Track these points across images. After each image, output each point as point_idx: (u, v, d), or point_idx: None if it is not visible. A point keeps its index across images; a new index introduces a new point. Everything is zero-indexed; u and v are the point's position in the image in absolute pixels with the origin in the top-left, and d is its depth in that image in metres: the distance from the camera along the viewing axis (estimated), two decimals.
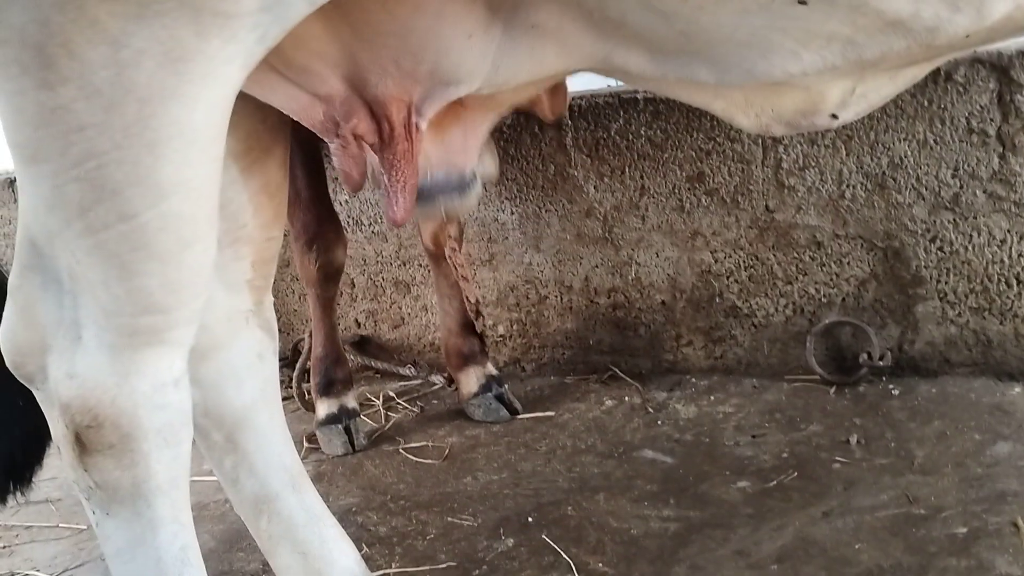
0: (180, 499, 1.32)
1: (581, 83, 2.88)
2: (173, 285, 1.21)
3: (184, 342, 1.29)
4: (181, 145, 1.14)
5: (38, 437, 1.67)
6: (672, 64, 1.30)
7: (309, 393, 2.91)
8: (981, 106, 2.39)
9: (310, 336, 2.92)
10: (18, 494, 1.74)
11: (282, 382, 3.23)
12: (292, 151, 1.88)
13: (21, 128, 1.15)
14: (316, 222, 2.67)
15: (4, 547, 2.47)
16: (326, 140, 1.52)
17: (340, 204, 3.30)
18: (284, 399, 3.09)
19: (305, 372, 2.93)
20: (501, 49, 1.37)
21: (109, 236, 1.16)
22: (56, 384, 1.27)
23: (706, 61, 1.26)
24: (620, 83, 2.84)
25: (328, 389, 2.81)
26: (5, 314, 1.32)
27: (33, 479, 1.71)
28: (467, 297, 2.79)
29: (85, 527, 2.46)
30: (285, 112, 1.49)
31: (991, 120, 2.38)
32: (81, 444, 1.27)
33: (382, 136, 1.48)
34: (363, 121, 1.47)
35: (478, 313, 2.84)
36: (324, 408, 2.81)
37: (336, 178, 3.24)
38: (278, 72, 1.42)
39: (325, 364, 2.82)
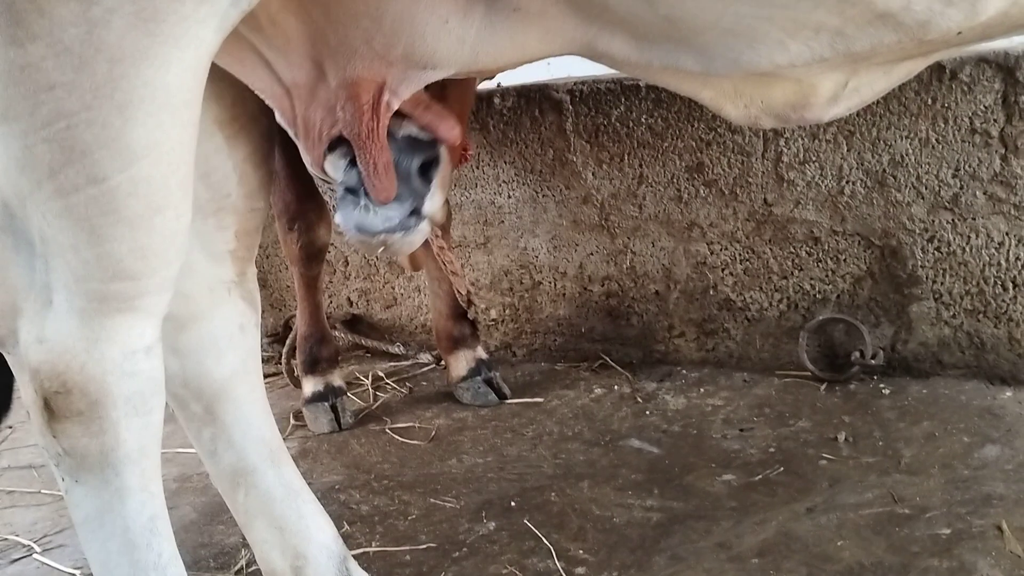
0: (150, 468, 1.30)
1: (583, 69, 2.86)
2: (143, 251, 1.19)
3: (155, 310, 1.26)
4: (152, 108, 1.12)
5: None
6: (657, 51, 1.27)
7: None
8: (985, 106, 2.36)
9: None
10: None
11: (272, 358, 3.24)
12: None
13: None
14: (297, 201, 2.64)
15: None
16: (293, 135, 1.50)
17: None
18: (274, 375, 3.11)
19: (294, 349, 2.91)
20: (480, 34, 1.34)
21: (79, 199, 1.14)
22: (26, 348, 1.25)
23: (691, 49, 1.24)
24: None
25: (314, 367, 2.80)
26: None
27: None
28: (458, 291, 2.77)
29: (63, 494, 2.45)
30: (264, 99, 1.46)
31: (995, 121, 2.36)
32: (50, 410, 1.25)
33: (348, 120, 1.45)
34: (329, 109, 1.45)
35: (470, 303, 2.81)
36: (310, 386, 2.80)
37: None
38: (258, 53, 1.40)
39: (310, 342, 2.81)
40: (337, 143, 1.48)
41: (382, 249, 1.60)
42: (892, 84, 1.35)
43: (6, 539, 2.28)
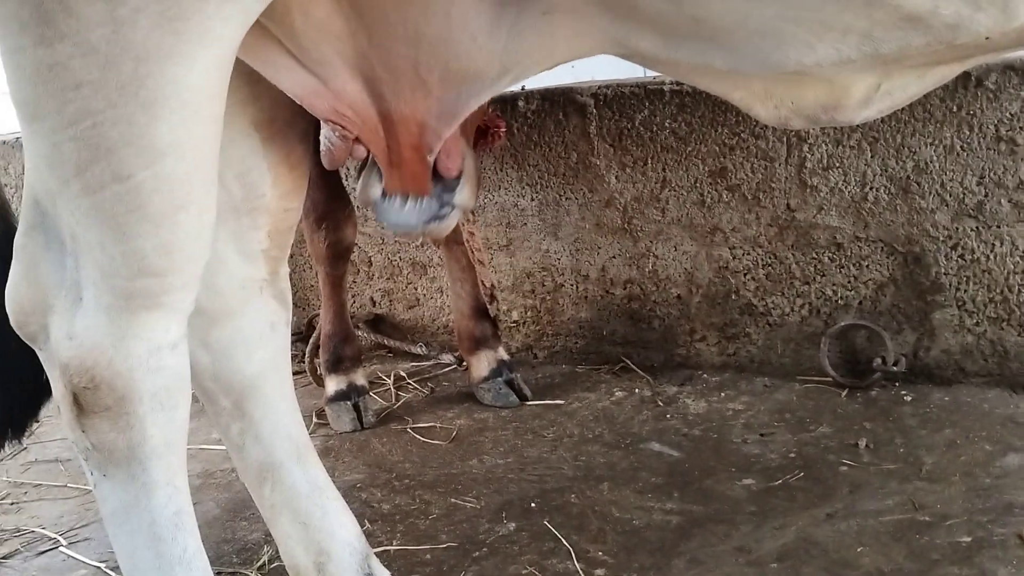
0: (176, 463, 1.33)
1: (607, 72, 2.88)
2: (168, 248, 1.21)
3: (181, 307, 1.29)
4: (176, 105, 1.14)
5: (36, 387, 1.69)
6: (686, 49, 1.28)
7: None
8: (1011, 114, 2.36)
9: None
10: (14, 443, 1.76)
11: (296, 356, 3.26)
12: None
13: (22, 85, 1.16)
14: (325, 200, 2.67)
15: (12, 504, 2.50)
16: (322, 120, 1.52)
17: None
18: (297, 373, 3.14)
19: (317, 348, 2.94)
20: (510, 43, 1.36)
21: (105, 196, 1.17)
22: (57, 344, 1.28)
23: (719, 48, 1.25)
24: (647, 73, 2.83)
25: (337, 366, 2.82)
26: (11, 272, 1.33)
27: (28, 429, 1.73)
28: (482, 281, 2.79)
29: (92, 488, 2.48)
30: (289, 94, 1.48)
31: (1020, 128, 2.35)
32: (79, 405, 1.28)
33: (389, 155, 1.48)
34: (369, 129, 1.48)
35: (492, 297, 2.83)
36: (333, 384, 2.82)
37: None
38: (294, 57, 1.42)
39: (334, 341, 2.83)
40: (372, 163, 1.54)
41: (422, 237, 1.70)
42: (926, 88, 1.34)
43: (33, 532, 2.32)
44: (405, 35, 1.35)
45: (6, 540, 2.29)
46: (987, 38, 1.13)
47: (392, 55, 1.38)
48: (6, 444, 1.68)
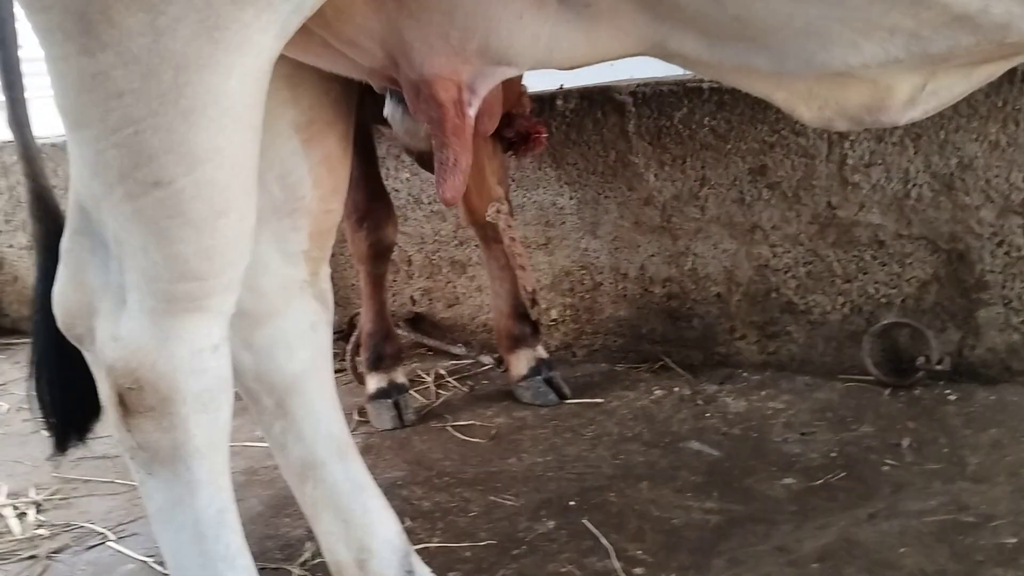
0: (219, 463, 1.35)
1: (645, 70, 2.87)
2: (208, 252, 1.24)
3: (223, 309, 1.31)
4: (215, 113, 1.16)
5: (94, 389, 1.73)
6: (729, 50, 1.27)
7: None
8: None
9: None
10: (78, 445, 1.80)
11: (337, 355, 3.29)
12: None
13: (66, 93, 1.19)
14: (367, 200, 2.70)
15: (62, 499, 2.55)
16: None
17: (401, 182, 3.33)
18: (339, 371, 3.17)
19: (358, 346, 2.97)
20: (554, 30, 1.36)
21: (147, 202, 1.19)
22: (102, 346, 1.31)
23: (763, 49, 1.24)
24: (685, 72, 2.82)
25: (378, 364, 2.85)
26: (57, 276, 1.37)
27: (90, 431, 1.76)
28: (523, 287, 2.80)
29: (138, 486, 2.53)
30: (337, 71, 1.49)
31: None
32: (124, 406, 1.31)
33: (431, 115, 1.48)
34: (412, 100, 1.47)
35: (534, 302, 2.84)
36: (374, 382, 2.84)
37: (390, 156, 3.27)
38: (326, 43, 1.43)
39: (375, 340, 2.86)
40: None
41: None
42: (972, 87, 1.33)
43: (82, 527, 2.36)
44: (437, 5, 1.35)
45: (56, 535, 2.34)
46: None
47: (426, 25, 1.38)
48: (69, 447, 1.73)
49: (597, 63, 1.48)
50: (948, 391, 2.53)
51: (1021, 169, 2.39)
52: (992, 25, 1.10)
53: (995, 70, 1.32)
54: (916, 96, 1.33)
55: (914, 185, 2.54)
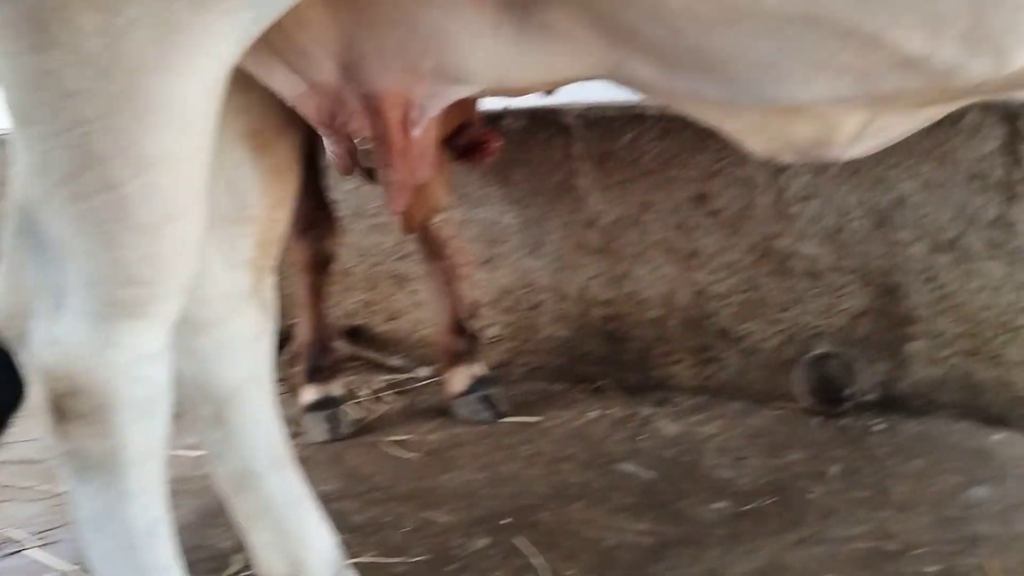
0: (153, 472, 1.33)
1: (593, 94, 2.90)
2: (154, 258, 1.22)
3: (166, 316, 1.29)
4: (168, 117, 1.15)
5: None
6: (684, 78, 1.30)
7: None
8: (987, 152, 2.41)
9: None
10: None
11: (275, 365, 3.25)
12: None
13: (16, 90, 1.16)
14: (310, 209, 2.68)
15: None
16: (319, 132, 1.53)
17: (344, 193, 3.31)
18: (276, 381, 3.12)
19: (295, 357, 2.93)
20: (511, 50, 1.37)
21: (93, 205, 1.17)
22: (38, 349, 1.28)
23: (717, 79, 1.27)
24: (631, 97, 2.85)
25: (314, 375, 2.82)
26: None
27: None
28: (463, 297, 2.81)
29: (64, 490, 2.47)
30: (285, 99, 1.49)
31: (996, 167, 2.40)
32: (59, 411, 1.28)
33: (376, 132, 1.48)
34: (356, 115, 1.47)
35: (474, 314, 2.84)
36: (310, 394, 2.82)
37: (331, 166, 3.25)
38: (279, 55, 1.43)
39: (312, 351, 2.84)
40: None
41: None
42: (915, 127, 1.37)
43: (1, 533, 2.29)
44: (395, 20, 1.35)
45: None
46: (984, 82, 1.16)
47: (383, 39, 1.38)
48: None
49: (552, 87, 1.50)
50: (875, 421, 2.59)
51: (951, 208, 2.48)
52: (937, 70, 1.15)
53: (937, 112, 1.38)
54: (861, 133, 1.38)
55: (850, 219, 2.61)
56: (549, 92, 2.43)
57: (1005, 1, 1.09)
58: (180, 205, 1.22)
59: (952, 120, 2.42)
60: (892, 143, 1.41)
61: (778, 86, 1.23)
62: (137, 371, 1.28)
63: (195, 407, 1.60)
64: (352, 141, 1.52)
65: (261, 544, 1.65)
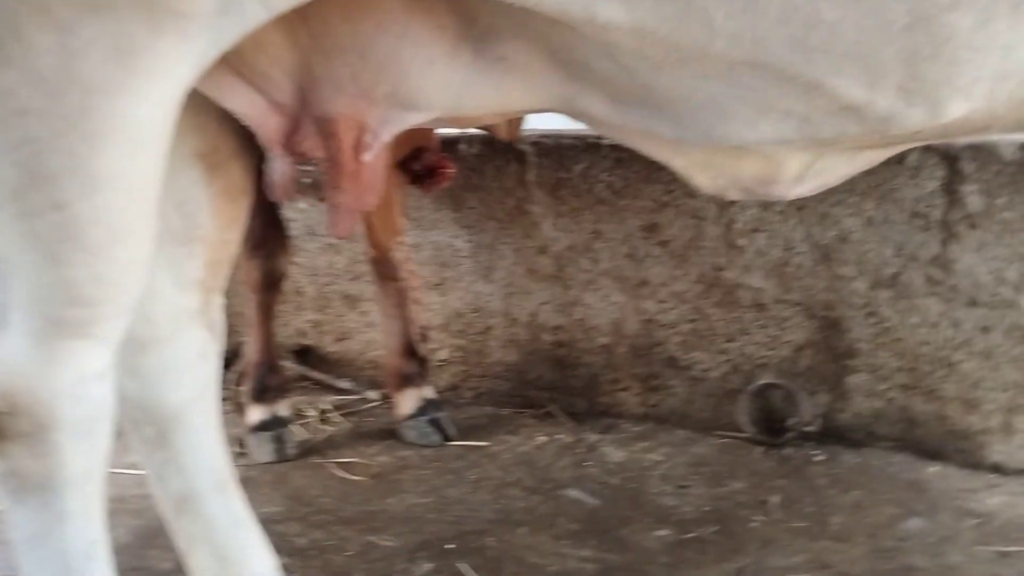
0: (92, 493, 1.31)
1: (548, 123, 2.93)
2: (101, 279, 1.21)
3: (111, 337, 1.28)
4: (120, 139, 1.14)
5: None
6: (634, 114, 1.33)
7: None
8: (928, 192, 2.48)
9: None
10: None
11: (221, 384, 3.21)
12: None
13: None
14: (262, 228, 2.66)
15: None
16: (271, 151, 1.52)
17: (297, 212, 3.30)
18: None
19: (242, 376, 2.91)
20: (466, 79, 1.39)
21: (41, 223, 1.16)
22: None
23: (666, 117, 1.30)
24: (585, 127, 2.89)
25: (261, 395, 2.80)
26: None
27: None
28: (414, 320, 2.81)
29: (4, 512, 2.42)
30: (242, 120, 1.49)
31: (936, 207, 2.47)
32: None
33: (329, 154, 1.48)
34: (310, 137, 1.48)
35: (425, 337, 2.85)
36: (256, 414, 2.79)
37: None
38: (237, 75, 1.43)
39: (260, 371, 2.81)
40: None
41: None
42: (856, 169, 1.42)
43: None
44: (352, 45, 1.36)
45: None
46: (920, 131, 1.20)
47: (339, 63, 1.39)
48: None
49: (504, 117, 1.52)
50: (816, 452, 2.64)
51: (892, 245, 2.54)
52: (876, 117, 1.19)
53: (878, 156, 1.42)
54: (805, 173, 1.42)
55: (795, 253, 2.66)
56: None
57: (940, 55, 1.14)
58: (129, 226, 1.21)
59: (895, 160, 2.49)
60: (834, 184, 1.45)
61: (725, 126, 1.26)
62: (79, 391, 1.26)
63: (138, 427, 1.58)
64: (296, 167, 1.52)
65: (201, 567, 1.63)
